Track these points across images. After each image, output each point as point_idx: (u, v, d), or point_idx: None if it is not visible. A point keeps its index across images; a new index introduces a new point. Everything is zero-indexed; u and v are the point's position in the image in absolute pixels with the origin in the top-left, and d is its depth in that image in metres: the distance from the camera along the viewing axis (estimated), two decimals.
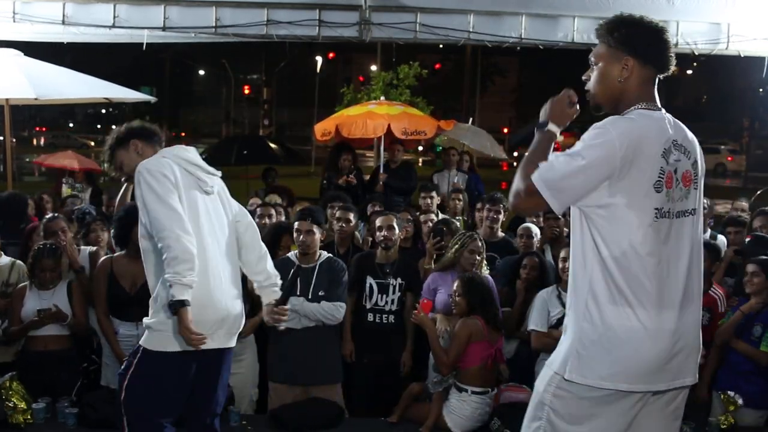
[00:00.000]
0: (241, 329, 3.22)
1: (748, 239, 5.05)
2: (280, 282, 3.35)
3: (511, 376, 4.45)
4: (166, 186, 2.91)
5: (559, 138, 2.41)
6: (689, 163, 2.30)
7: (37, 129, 43.39)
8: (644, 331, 2.20)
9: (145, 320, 3.01)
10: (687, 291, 2.27)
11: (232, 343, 3.20)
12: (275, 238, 4.71)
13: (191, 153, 3.16)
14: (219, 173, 3.23)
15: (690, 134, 2.34)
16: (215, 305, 3.01)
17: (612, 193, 2.17)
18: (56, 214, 5.04)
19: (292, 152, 16.42)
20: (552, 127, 2.37)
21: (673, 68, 2.34)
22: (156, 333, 2.96)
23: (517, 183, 2.25)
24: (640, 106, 2.28)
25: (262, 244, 3.35)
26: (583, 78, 2.40)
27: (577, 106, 2.40)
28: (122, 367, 3.07)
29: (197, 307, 2.88)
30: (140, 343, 3.03)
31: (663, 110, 2.32)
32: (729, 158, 32.28)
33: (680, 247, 2.26)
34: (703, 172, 2.38)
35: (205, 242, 2.99)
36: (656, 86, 2.34)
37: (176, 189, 2.94)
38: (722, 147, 32.80)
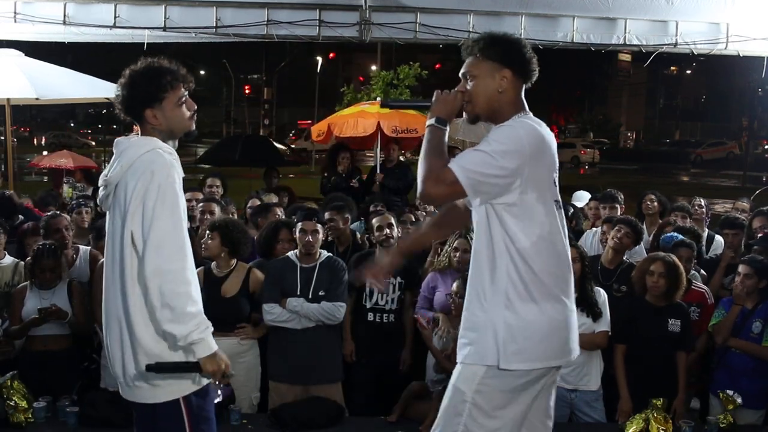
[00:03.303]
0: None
1: (760, 236, 4.95)
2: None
3: None
4: None
5: None
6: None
7: (25, 129, 43.10)
8: (554, 319, 2.38)
9: None
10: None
11: (140, 398, 2.53)
12: (273, 233, 4.72)
13: None
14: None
15: None
16: None
17: (523, 189, 2.30)
18: (58, 212, 5.04)
19: (297, 153, 16.41)
20: (447, 127, 2.45)
21: (534, 78, 2.50)
22: None
23: (432, 171, 2.29)
24: (520, 116, 2.41)
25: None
26: (457, 89, 2.48)
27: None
28: None
29: None
30: None
31: None
32: (582, 152, 36.94)
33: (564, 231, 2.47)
34: None
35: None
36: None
37: None
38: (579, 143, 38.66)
